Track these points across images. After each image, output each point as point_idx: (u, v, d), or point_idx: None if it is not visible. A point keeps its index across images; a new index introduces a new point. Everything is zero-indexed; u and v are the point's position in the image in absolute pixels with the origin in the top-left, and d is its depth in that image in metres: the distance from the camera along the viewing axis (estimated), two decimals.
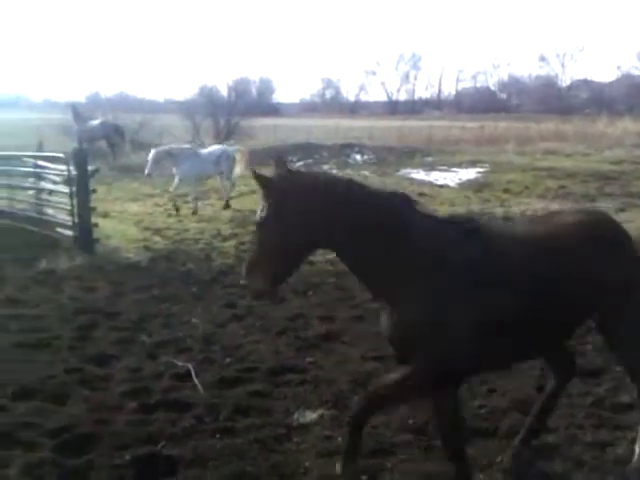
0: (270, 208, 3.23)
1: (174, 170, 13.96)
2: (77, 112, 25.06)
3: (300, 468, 3.91)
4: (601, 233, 3.67)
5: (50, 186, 10.95)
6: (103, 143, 25.55)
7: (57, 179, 10.49)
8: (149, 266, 9.10)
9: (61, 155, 10.63)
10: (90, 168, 10.05)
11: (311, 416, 4.61)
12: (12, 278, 8.37)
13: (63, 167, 10.18)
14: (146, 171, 13.82)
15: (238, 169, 14.21)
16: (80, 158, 9.84)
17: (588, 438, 4.24)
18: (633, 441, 4.12)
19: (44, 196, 11.35)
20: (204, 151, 15.10)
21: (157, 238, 11.17)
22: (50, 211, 10.95)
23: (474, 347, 3.26)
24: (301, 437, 4.33)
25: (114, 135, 25.29)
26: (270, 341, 6.14)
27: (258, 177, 3.31)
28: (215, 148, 15.51)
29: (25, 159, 11.97)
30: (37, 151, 14.23)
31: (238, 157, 14.39)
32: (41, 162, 11.27)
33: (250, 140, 34.02)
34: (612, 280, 3.53)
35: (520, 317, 3.31)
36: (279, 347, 5.99)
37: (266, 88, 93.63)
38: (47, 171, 10.92)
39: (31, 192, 11.82)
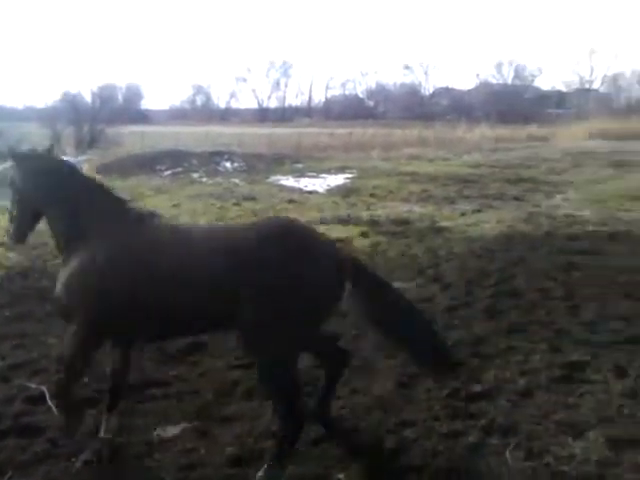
0: None
1: None
2: None
3: None
4: (279, 240, 3.85)
5: None
6: None
7: None
8: (1, 284, 8.56)
9: None
10: None
11: (173, 430, 4.52)
12: None
13: None
14: None
15: None
16: None
17: (444, 429, 4.45)
18: (483, 428, 4.39)
19: None
20: None
21: (10, 254, 10.53)
22: None
23: (121, 313, 3.97)
24: (162, 453, 4.23)
25: None
26: (132, 357, 5.93)
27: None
28: None
29: None
30: None
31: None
32: None
33: (117, 148, 33.00)
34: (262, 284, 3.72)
35: (159, 300, 3.86)
36: (141, 362, 5.81)
37: (134, 94, 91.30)
38: None
39: None
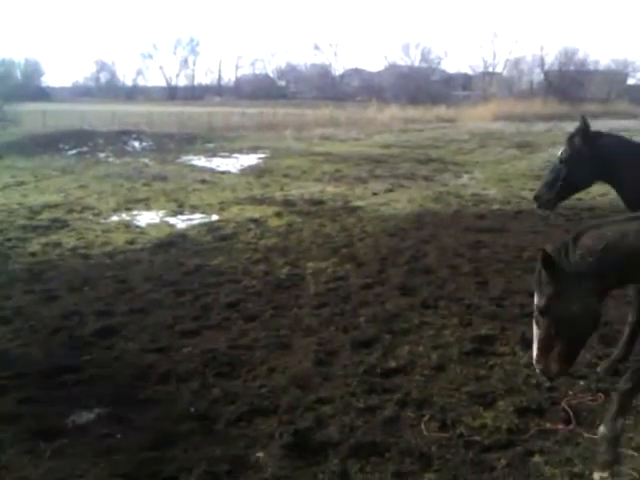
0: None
1: None
2: None
3: (75, 470, 3.72)
4: None
5: None
6: None
7: None
8: None
9: None
10: None
11: (88, 416, 4.41)
12: None
13: None
14: None
15: None
16: None
17: (361, 404, 4.55)
18: (398, 402, 4.51)
19: None
20: None
21: None
22: None
23: None
24: (76, 439, 4.12)
25: None
26: (42, 343, 5.74)
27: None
28: None
29: None
30: None
31: None
32: None
33: (15, 127, 31.42)
34: None
35: None
36: (52, 348, 5.62)
37: (33, 70, 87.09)
38: None
39: None
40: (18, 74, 77.52)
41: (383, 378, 4.99)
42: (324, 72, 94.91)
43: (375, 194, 14.34)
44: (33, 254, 8.94)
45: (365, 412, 4.42)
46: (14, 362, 5.33)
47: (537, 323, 3.50)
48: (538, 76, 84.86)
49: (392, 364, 5.20)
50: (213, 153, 23.97)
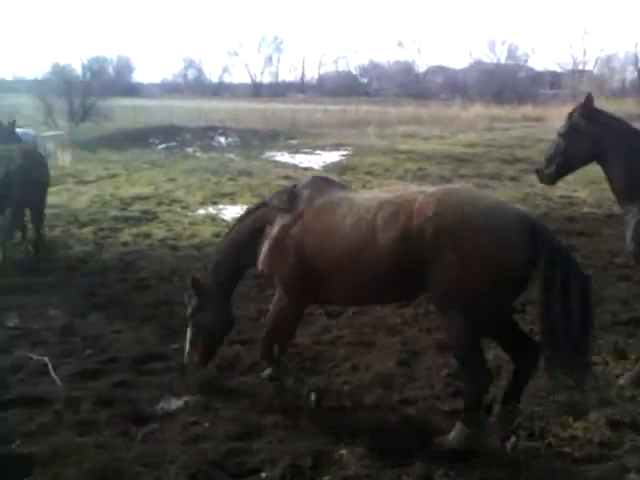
0: None
1: None
2: None
3: (166, 456, 3.84)
4: None
5: None
6: None
7: None
8: None
9: None
10: None
11: (176, 403, 4.55)
12: None
13: None
14: None
15: None
16: None
17: (445, 407, 4.49)
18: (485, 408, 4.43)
19: None
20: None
21: None
22: None
23: None
24: (166, 425, 4.26)
25: None
26: (133, 330, 5.97)
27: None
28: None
29: None
30: None
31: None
32: None
33: (107, 122, 32.72)
34: None
35: None
36: (143, 336, 5.84)
37: (124, 67, 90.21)
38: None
39: None
40: (111, 71, 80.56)
41: None
42: (407, 69, 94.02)
43: None
44: (125, 244, 9.30)
45: (449, 415, 4.37)
46: (109, 347, 5.57)
47: (190, 325, 4.75)
48: (631, 74, 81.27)
49: None
50: (296, 149, 24.18)
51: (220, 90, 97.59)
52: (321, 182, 4.61)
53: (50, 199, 10.63)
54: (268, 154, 22.57)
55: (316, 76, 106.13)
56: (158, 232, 10.04)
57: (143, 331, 5.96)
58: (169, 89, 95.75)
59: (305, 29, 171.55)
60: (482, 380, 3.92)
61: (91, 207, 12.13)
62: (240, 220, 4.87)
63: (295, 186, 4.64)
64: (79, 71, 40.36)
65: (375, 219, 3.96)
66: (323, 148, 24.70)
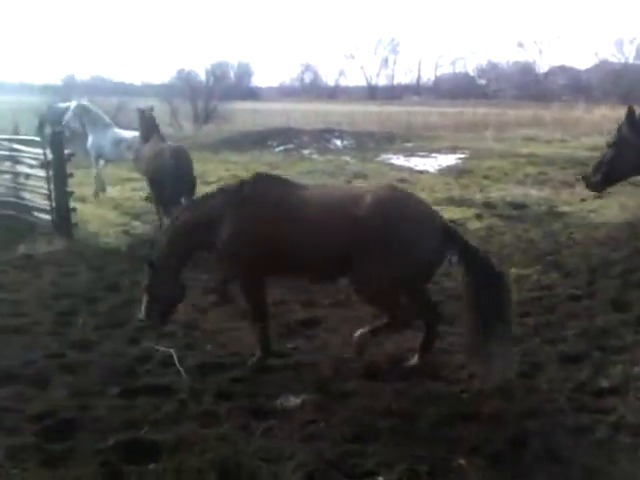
0: None
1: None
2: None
3: (284, 453, 3.92)
4: None
5: (27, 170, 10.76)
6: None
7: (33, 163, 10.33)
8: (128, 251, 9.02)
9: (37, 139, 10.44)
10: (66, 152, 9.92)
11: (294, 401, 4.63)
12: None
13: (39, 151, 10.04)
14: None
15: None
16: (56, 142, 9.71)
17: (570, 422, 4.31)
18: (612, 425, 4.21)
19: (21, 180, 11.16)
20: (120, 132, 14.01)
21: (136, 223, 11.08)
22: (27, 195, 10.80)
23: None
24: (284, 422, 4.35)
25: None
26: (251, 327, 6.12)
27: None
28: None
29: (1, 142, 11.75)
30: (13, 134, 13.96)
31: None
32: (17, 145, 11.08)
33: (228, 125, 33.81)
34: None
35: None
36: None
37: (244, 72, 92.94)
38: (23, 155, 10.74)
39: (7, 176, 11.61)
40: (232, 75, 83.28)
41: (594, 397, 4.69)
42: (527, 70, 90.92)
43: (583, 200, 13.44)
44: None
45: (574, 432, 4.18)
46: (228, 343, 5.76)
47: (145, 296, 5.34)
48: None
49: (604, 383, 4.86)
50: (411, 152, 24.01)
51: (336, 93, 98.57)
52: (267, 177, 5.33)
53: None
54: (383, 157, 22.55)
55: (432, 78, 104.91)
56: None
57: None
58: (286, 93, 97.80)
59: (422, 30, 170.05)
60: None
61: None
62: (196, 204, 5.53)
63: (246, 180, 5.30)
64: (203, 76, 42.11)
65: (320, 212, 4.80)
66: (439, 151, 24.36)
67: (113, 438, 4.03)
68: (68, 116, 13.84)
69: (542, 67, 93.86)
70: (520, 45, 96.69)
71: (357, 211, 4.66)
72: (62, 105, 23.33)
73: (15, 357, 5.32)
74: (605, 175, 5.27)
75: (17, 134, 14.39)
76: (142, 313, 5.38)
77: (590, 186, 5.50)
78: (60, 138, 9.91)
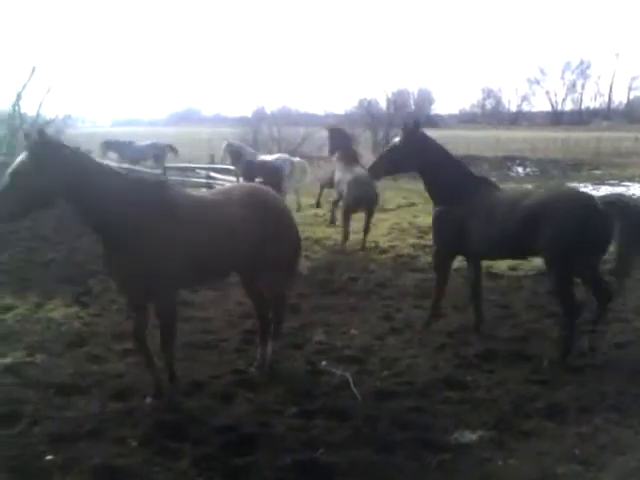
0: None
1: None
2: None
3: None
4: None
5: None
6: None
7: None
8: (309, 275, 9.31)
9: (231, 167, 11.18)
10: (257, 180, 10.54)
11: (470, 437, 4.49)
12: None
13: (233, 178, 10.76)
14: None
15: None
16: (249, 170, 10.37)
17: None
18: None
19: None
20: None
21: (317, 247, 11.45)
22: None
23: None
24: (459, 457, 4.23)
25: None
26: (428, 356, 6.06)
27: None
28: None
29: (198, 170, 12.76)
30: (209, 163, 15.06)
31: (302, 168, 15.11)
32: (213, 174, 11.96)
33: None
34: None
35: None
36: (438, 362, 5.90)
37: (425, 99, 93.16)
38: (218, 182, 11.57)
39: None
40: (412, 103, 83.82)
41: None
42: None
43: None
44: (422, 270, 9.50)
45: None
46: (405, 371, 5.73)
47: None
48: None
49: None
50: (601, 180, 22.63)
51: (518, 119, 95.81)
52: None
53: (354, 225, 11.41)
54: (569, 185, 21.43)
55: (625, 101, 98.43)
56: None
57: (438, 358, 6.02)
58: (466, 119, 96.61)
59: (615, 51, 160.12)
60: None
61: (391, 234, 12.69)
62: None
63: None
64: (383, 105, 42.85)
65: (233, 209, 5.21)
66: (632, 179, 22.74)
67: (290, 457, 4.15)
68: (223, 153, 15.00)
69: None
70: None
71: None
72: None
73: (203, 371, 5.68)
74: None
75: (213, 163, 15.53)
76: None
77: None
78: (252, 167, 10.57)
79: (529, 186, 21.02)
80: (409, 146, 6.76)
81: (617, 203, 5.66)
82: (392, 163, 6.95)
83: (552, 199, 5.79)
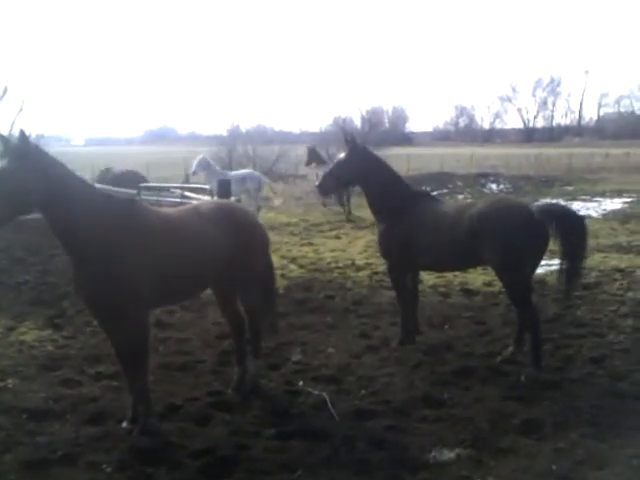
0: None
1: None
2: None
3: None
4: None
5: None
6: None
7: None
8: (285, 294, 9.29)
9: (206, 187, 11.15)
10: (232, 199, 10.51)
11: (448, 455, 4.48)
12: None
13: (207, 198, 10.73)
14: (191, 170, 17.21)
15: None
16: (223, 189, 10.33)
17: None
18: None
19: None
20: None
21: (293, 266, 11.43)
22: None
23: None
24: (438, 476, 4.22)
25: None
26: (405, 374, 6.05)
27: None
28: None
29: (173, 190, 12.71)
30: (184, 182, 15.02)
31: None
32: (187, 193, 11.92)
33: None
34: None
35: None
36: (414, 381, 5.89)
37: (399, 117, 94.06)
38: (193, 202, 11.51)
39: None
40: (386, 121, 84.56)
41: None
42: None
43: None
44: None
45: None
46: (381, 389, 5.72)
47: None
48: None
49: None
50: (572, 196, 22.97)
51: (491, 136, 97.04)
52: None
53: (330, 243, 11.43)
54: (542, 201, 21.69)
55: (595, 118, 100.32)
56: (429, 278, 10.15)
57: (414, 376, 6.01)
58: (440, 137, 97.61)
59: (584, 69, 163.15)
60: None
61: (367, 251, 12.71)
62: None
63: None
64: (358, 123, 43.06)
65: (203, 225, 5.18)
66: (603, 195, 23.14)
67: (269, 479, 4.10)
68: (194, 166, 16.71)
69: None
70: None
71: None
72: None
73: (179, 394, 5.61)
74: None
75: (187, 182, 15.53)
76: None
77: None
78: (227, 186, 10.53)
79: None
80: (351, 161, 6.89)
81: (553, 211, 5.91)
82: (336, 178, 7.06)
83: (490, 210, 5.97)
